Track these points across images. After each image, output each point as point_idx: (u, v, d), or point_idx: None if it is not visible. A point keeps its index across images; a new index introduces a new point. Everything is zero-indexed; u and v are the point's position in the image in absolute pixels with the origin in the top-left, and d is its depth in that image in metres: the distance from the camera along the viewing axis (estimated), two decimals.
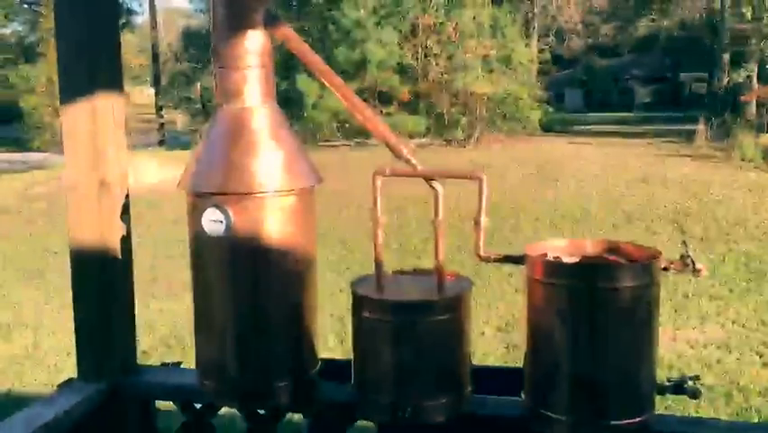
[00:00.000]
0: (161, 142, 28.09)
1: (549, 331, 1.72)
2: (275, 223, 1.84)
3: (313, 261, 1.96)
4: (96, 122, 2.01)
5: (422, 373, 1.79)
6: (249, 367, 1.89)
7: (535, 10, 30.36)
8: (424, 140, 21.19)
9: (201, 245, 1.88)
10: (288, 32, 1.89)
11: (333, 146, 21.18)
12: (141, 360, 2.28)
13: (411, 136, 21.40)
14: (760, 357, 5.93)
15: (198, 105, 27.11)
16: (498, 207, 11.84)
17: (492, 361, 5.84)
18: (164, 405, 2.23)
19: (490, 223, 1.82)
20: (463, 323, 1.84)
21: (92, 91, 2.00)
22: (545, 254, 1.83)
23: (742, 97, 20.21)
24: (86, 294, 2.08)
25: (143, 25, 42.39)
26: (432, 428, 1.85)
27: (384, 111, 21.72)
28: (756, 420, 4.81)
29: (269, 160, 1.85)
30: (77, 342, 2.11)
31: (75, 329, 2.11)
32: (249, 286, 1.87)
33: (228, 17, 1.84)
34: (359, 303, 1.85)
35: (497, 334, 6.58)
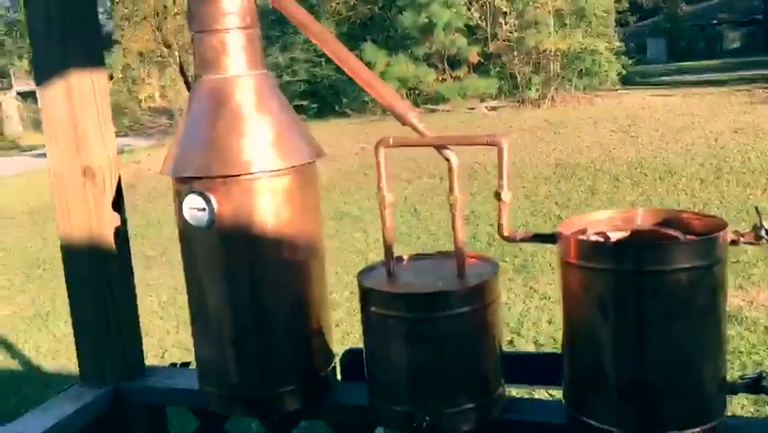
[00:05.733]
0: None
1: (588, 325, 1.42)
2: (267, 207, 1.61)
3: (318, 247, 1.72)
4: (73, 101, 1.80)
5: (441, 376, 1.52)
6: (249, 371, 1.67)
7: None
8: (496, 102, 20.55)
9: (188, 237, 1.66)
10: None
11: None
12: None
13: (483, 99, 20.78)
14: None
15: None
16: (573, 168, 11.30)
17: None
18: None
19: (566, 185, 1.51)
20: (489, 314, 1.56)
21: (67, 66, 1.79)
22: (584, 231, 1.52)
23: None
24: (81, 291, 1.91)
25: None
26: None
27: (453, 75, 21.11)
28: None
29: (258, 136, 1.60)
30: (76, 343, 1.95)
31: (73, 330, 1.94)
32: (243, 281, 1.65)
33: None
34: (366, 296, 1.60)
35: None
